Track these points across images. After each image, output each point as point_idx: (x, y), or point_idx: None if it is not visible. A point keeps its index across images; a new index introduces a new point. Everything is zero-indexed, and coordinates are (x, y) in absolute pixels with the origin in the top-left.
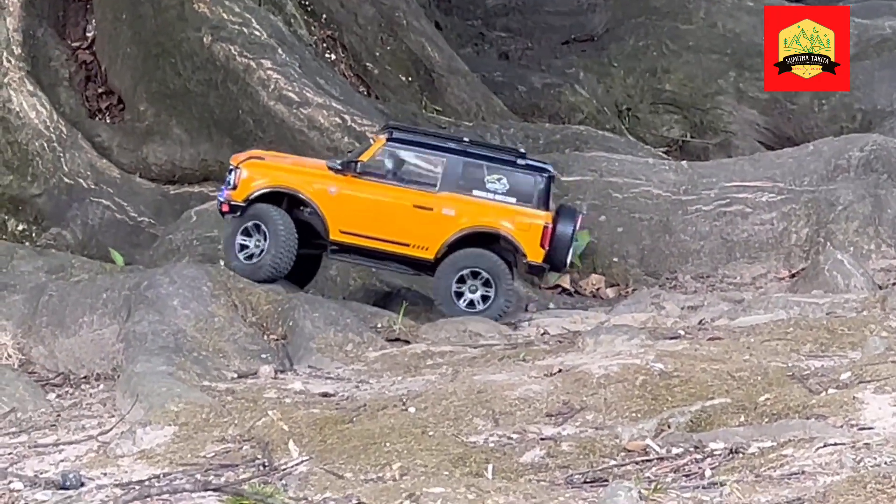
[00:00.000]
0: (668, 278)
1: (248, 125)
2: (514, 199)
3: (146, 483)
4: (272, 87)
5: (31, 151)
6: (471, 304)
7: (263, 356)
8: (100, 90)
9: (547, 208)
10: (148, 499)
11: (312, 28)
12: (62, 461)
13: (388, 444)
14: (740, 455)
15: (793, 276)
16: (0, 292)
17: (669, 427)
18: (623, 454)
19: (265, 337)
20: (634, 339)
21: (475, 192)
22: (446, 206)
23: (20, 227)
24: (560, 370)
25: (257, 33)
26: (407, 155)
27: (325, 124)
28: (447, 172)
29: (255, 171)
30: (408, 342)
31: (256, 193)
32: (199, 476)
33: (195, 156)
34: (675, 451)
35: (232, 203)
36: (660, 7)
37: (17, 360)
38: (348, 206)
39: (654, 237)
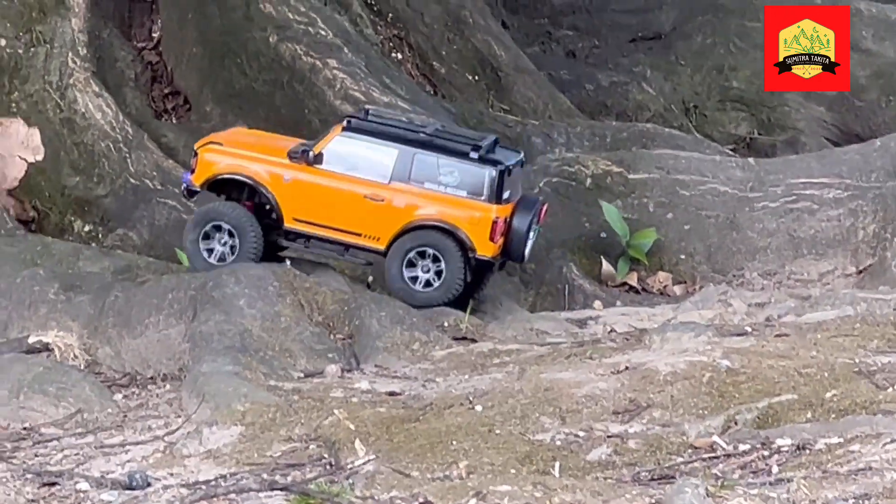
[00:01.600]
0: (734, 275)
1: (315, 125)
2: (464, 193)
3: (212, 483)
4: (338, 86)
5: (98, 152)
6: (427, 283)
7: (330, 355)
8: (166, 91)
9: (499, 201)
10: (214, 498)
11: (378, 27)
12: (129, 461)
13: (454, 443)
14: (807, 451)
15: (860, 272)
16: (66, 293)
17: (736, 424)
18: (690, 451)
19: (331, 336)
20: (701, 336)
21: (427, 185)
22: (397, 198)
23: (86, 228)
24: (627, 367)
25: (323, 33)
26: (361, 145)
27: None
28: (398, 164)
29: (212, 157)
30: (474, 341)
31: (212, 179)
32: (265, 476)
33: None
34: (741, 447)
35: (191, 188)
36: (727, 4)
37: (83, 360)
38: (301, 194)
39: (721, 234)
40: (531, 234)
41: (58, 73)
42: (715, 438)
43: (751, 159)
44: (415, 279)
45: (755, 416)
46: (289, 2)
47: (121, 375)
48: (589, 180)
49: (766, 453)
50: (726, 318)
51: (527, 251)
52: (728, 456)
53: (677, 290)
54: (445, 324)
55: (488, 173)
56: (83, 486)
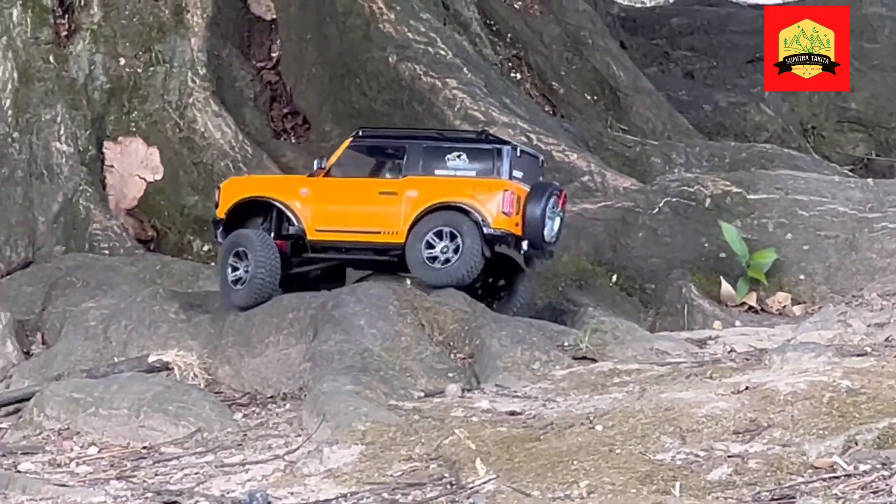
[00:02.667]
0: (854, 296)
1: None
2: (474, 173)
3: (333, 502)
4: (458, 106)
5: (217, 172)
6: (446, 261)
7: (450, 375)
8: (285, 110)
9: (510, 177)
10: None
11: (497, 47)
12: (249, 481)
13: (575, 462)
14: None
15: None
16: (186, 312)
17: (857, 444)
18: (810, 471)
19: (452, 356)
20: (821, 356)
21: (437, 172)
22: (409, 189)
23: (206, 248)
24: (747, 387)
25: (442, 53)
26: (372, 151)
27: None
28: (409, 158)
29: (231, 187)
30: (594, 360)
31: (235, 205)
32: (385, 495)
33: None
34: (862, 467)
35: (216, 220)
36: None
37: (203, 379)
38: (320, 203)
39: (840, 255)
40: (549, 218)
41: (177, 92)
42: (835, 458)
43: (869, 180)
44: (433, 258)
45: (875, 436)
46: (408, 22)
47: (241, 394)
48: (708, 200)
49: (886, 473)
50: (846, 339)
51: (546, 234)
52: (848, 476)
53: (797, 310)
54: (566, 343)
55: (496, 150)
56: None
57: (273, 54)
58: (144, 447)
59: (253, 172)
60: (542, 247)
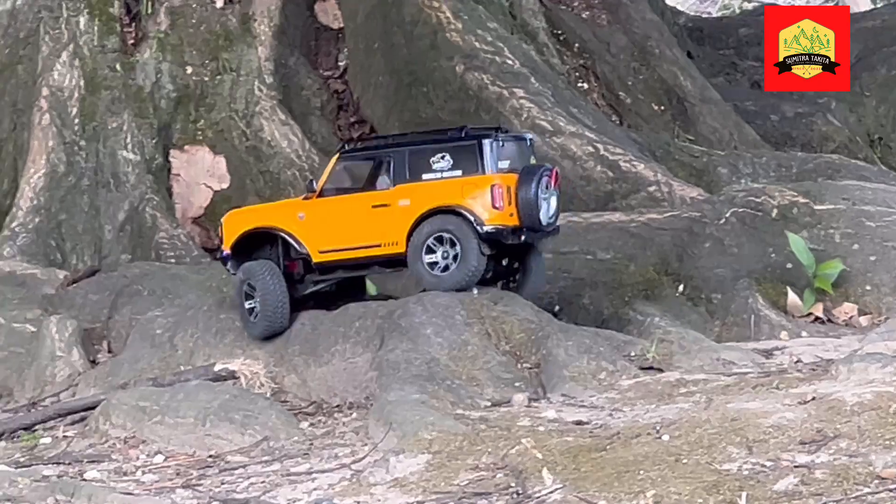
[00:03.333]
0: None
1: None
2: (460, 172)
3: None
4: (525, 115)
5: (283, 181)
6: (445, 268)
7: (517, 384)
8: (352, 119)
9: (495, 170)
10: None
11: (565, 57)
12: (315, 489)
13: (641, 472)
14: None
15: None
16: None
17: None
18: (876, 482)
19: (518, 365)
20: (888, 367)
21: (424, 177)
22: (401, 198)
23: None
24: (813, 398)
25: (510, 62)
26: (360, 164)
27: (577, 153)
28: (396, 167)
29: (232, 221)
30: (661, 370)
31: (239, 238)
32: None
33: None
34: None
35: (222, 256)
36: None
37: (269, 388)
38: (318, 226)
39: None
40: (543, 200)
41: (244, 100)
42: None
43: None
44: (434, 264)
45: None
46: (476, 31)
47: (307, 403)
48: (775, 211)
49: None
50: None
51: (543, 217)
52: None
53: (863, 321)
54: (632, 353)
55: (476, 145)
56: None
57: (340, 63)
58: (210, 456)
59: None
60: (541, 229)
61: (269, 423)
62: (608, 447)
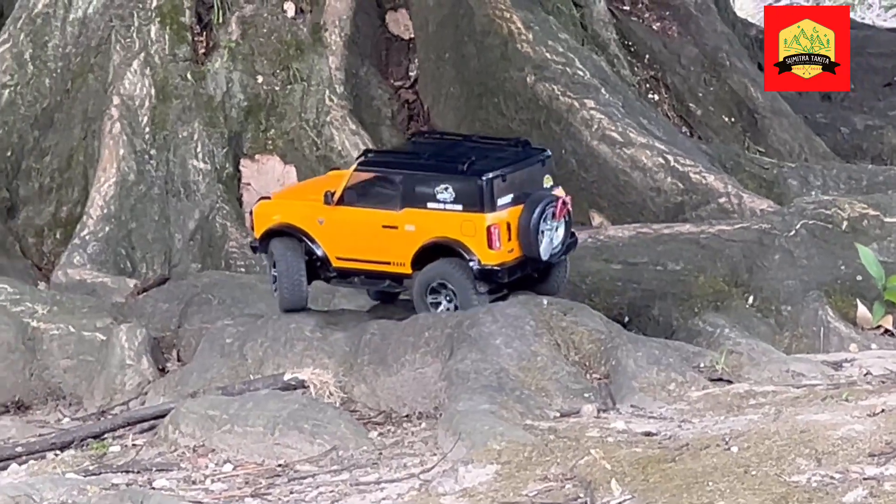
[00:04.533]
0: None
1: (571, 165)
2: (460, 206)
3: None
4: (595, 126)
5: None
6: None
7: (586, 395)
8: (422, 129)
9: (493, 209)
10: None
11: (635, 68)
12: (384, 499)
13: (710, 484)
14: None
15: None
16: (322, 330)
17: None
18: None
19: (587, 376)
20: None
21: (429, 205)
22: (407, 223)
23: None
24: (883, 410)
25: (580, 73)
26: (374, 181)
27: (648, 164)
28: (404, 190)
29: (261, 212)
30: (730, 382)
31: (266, 233)
32: None
33: None
34: None
35: (251, 244)
36: None
37: (338, 398)
38: (335, 234)
39: None
40: (543, 233)
41: (314, 110)
42: None
43: None
44: (437, 305)
45: None
46: (546, 42)
47: (376, 413)
48: (845, 223)
49: None
50: None
51: (543, 251)
52: None
53: None
54: (701, 364)
55: (477, 184)
56: None
57: (411, 73)
58: (279, 465)
59: None
60: (539, 260)
61: (338, 432)
62: (677, 458)
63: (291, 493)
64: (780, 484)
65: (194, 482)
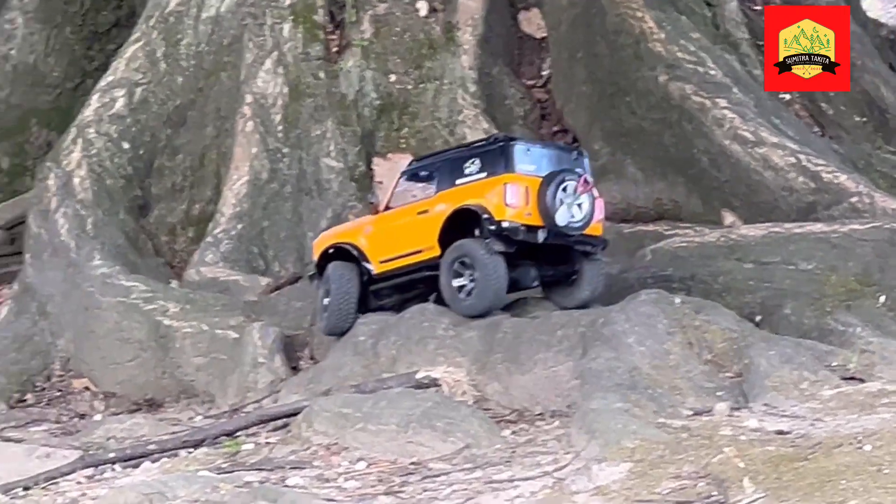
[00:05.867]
0: None
1: (703, 164)
2: (485, 174)
3: None
4: (727, 126)
5: None
6: (469, 292)
7: (718, 394)
8: (554, 128)
9: (512, 171)
10: None
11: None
12: (517, 497)
13: (843, 482)
14: None
15: None
16: (455, 328)
17: None
18: None
19: (720, 374)
20: None
21: (457, 182)
22: (439, 203)
23: None
24: None
25: (712, 72)
26: (418, 179)
27: (779, 164)
28: (440, 177)
29: (319, 241)
30: (862, 381)
31: (321, 255)
32: None
33: (649, 195)
34: None
35: (309, 275)
36: None
37: (471, 396)
38: (379, 237)
39: None
40: (562, 203)
41: (447, 109)
42: None
43: None
44: (461, 288)
45: None
46: (678, 41)
47: (509, 411)
48: None
49: None
50: None
51: (560, 218)
52: None
53: None
54: (834, 363)
55: (499, 149)
56: None
57: (543, 73)
58: (412, 463)
59: None
60: (560, 233)
61: (471, 430)
62: (810, 457)
63: (424, 490)
64: None
65: (327, 480)
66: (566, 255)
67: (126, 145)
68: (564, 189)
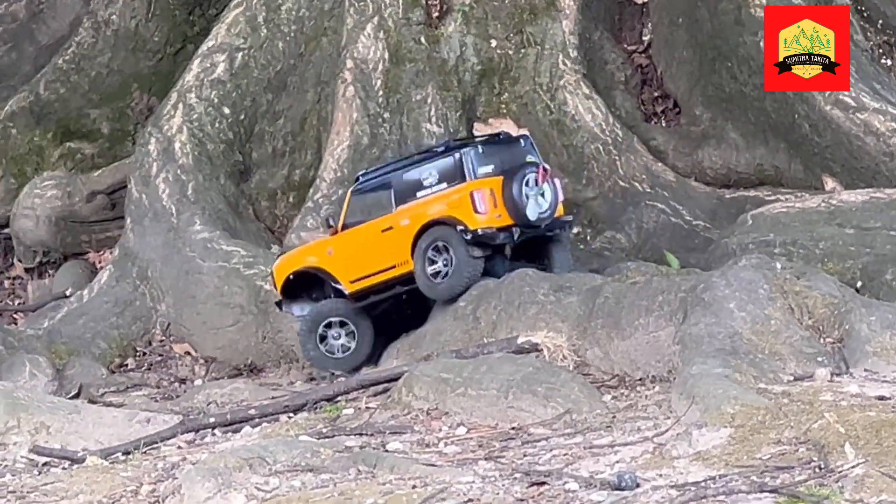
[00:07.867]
0: None
1: (804, 130)
2: (445, 185)
3: (702, 484)
4: (828, 92)
5: (587, 155)
6: (445, 275)
7: (819, 359)
8: (655, 94)
9: (474, 177)
10: (703, 500)
11: (868, 33)
12: (617, 462)
13: None
14: None
15: None
16: (556, 293)
17: None
18: None
19: (821, 340)
20: None
21: (418, 195)
22: (402, 219)
23: (575, 230)
24: None
25: None
26: (370, 195)
27: (881, 129)
28: (396, 191)
29: (280, 267)
30: None
31: (285, 282)
32: (754, 478)
33: (750, 160)
34: None
35: (276, 300)
36: None
37: (572, 361)
38: (344, 258)
39: None
40: (528, 197)
41: (548, 74)
42: None
43: None
44: (437, 274)
45: None
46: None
47: (609, 377)
48: None
49: None
50: None
51: (531, 212)
52: None
53: None
54: None
55: (453, 158)
56: (572, 486)
57: (644, 38)
58: (513, 428)
59: (623, 156)
60: (534, 226)
61: (571, 395)
62: None
63: (525, 455)
64: None
65: (427, 445)
66: (533, 243)
67: (227, 110)
68: (527, 183)
